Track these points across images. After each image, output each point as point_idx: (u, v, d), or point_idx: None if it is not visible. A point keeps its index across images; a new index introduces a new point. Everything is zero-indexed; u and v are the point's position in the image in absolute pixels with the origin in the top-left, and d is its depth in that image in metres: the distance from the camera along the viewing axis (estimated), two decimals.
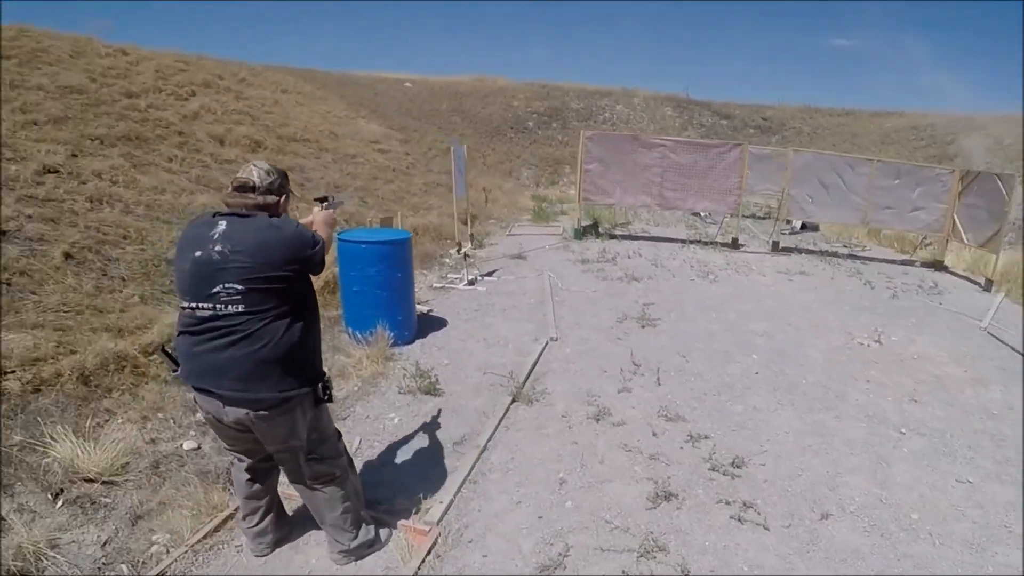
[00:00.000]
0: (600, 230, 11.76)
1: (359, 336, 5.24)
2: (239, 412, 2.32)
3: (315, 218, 2.78)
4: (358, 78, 25.68)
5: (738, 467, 3.79)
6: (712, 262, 9.63)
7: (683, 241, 11.31)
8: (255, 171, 2.43)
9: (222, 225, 2.29)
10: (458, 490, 3.41)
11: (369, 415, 4.23)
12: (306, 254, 2.36)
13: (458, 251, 7.92)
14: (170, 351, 2.49)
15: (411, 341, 5.64)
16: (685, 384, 5.00)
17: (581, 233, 11.29)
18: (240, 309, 2.24)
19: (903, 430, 4.55)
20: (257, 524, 2.80)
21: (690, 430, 4.21)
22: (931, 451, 4.28)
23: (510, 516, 3.27)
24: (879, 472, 3.94)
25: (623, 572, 2.87)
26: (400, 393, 4.58)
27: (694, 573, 2.89)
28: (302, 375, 2.40)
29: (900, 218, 10.67)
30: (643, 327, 6.30)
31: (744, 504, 3.44)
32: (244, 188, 2.39)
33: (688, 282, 8.33)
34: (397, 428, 4.09)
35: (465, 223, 8.19)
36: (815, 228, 13.63)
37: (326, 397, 2.51)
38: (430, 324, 6.04)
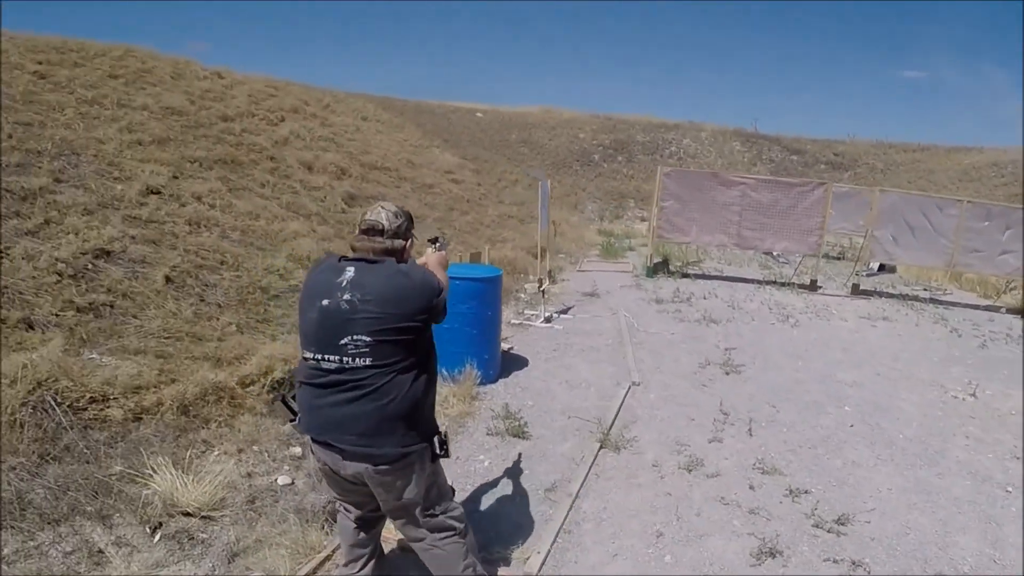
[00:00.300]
0: (671, 268, 11.56)
1: (445, 373, 5.23)
2: (359, 466, 2.24)
3: (428, 260, 2.68)
4: (433, 107, 26.27)
5: (843, 524, 3.59)
6: (791, 305, 9.32)
7: (758, 282, 11.01)
8: (383, 213, 2.32)
9: (350, 272, 2.19)
10: (554, 540, 3.32)
11: (459, 456, 4.19)
12: (434, 302, 2.28)
13: (539, 287, 7.89)
14: (288, 401, 2.42)
15: (495, 380, 5.60)
16: (777, 435, 4.79)
17: (653, 271, 11.12)
18: (367, 362, 2.14)
19: (1009, 488, 4.25)
20: (359, 571, 2.74)
21: (789, 484, 4.01)
22: None
23: (607, 568, 3.16)
24: (989, 532, 3.69)
25: None
26: (488, 435, 4.53)
27: None
28: (422, 430, 2.31)
29: (988, 262, 10.12)
30: (727, 373, 6.10)
31: (853, 563, 3.26)
32: (373, 231, 2.30)
33: (768, 326, 8.07)
34: (487, 471, 4.03)
35: (542, 258, 8.17)
36: (892, 270, 13.10)
37: (443, 452, 2.39)
38: (512, 363, 6.00)
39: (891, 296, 10.63)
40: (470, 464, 4.10)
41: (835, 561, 3.26)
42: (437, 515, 2.48)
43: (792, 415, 5.19)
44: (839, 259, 14.69)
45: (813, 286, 10.67)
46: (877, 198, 10.35)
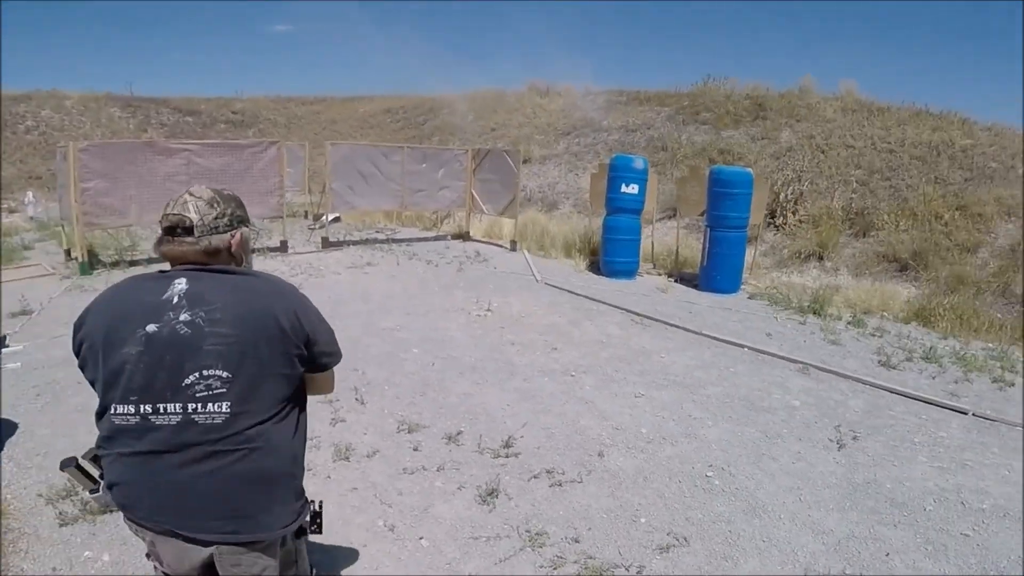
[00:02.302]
0: (103, 259, 10.26)
1: None
2: (203, 553, 1.75)
3: None
4: None
5: (510, 446, 4.25)
6: (277, 271, 9.50)
7: None
8: (192, 203, 1.80)
9: (181, 283, 1.72)
10: None
11: (55, 566, 3.07)
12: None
13: None
14: (84, 465, 1.85)
15: None
16: (387, 394, 5.11)
17: (88, 266, 9.69)
18: (224, 408, 1.67)
19: (572, 373, 5.69)
20: None
21: (439, 433, 4.44)
22: (601, 382, 5.54)
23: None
24: (591, 410, 4.94)
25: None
26: (63, 525, 3.40)
27: (585, 541, 3.28)
28: (300, 496, 1.91)
29: (431, 198, 12.42)
30: None
31: (547, 472, 3.96)
32: (177, 229, 1.79)
33: None
34: (114, 568, 3.09)
35: None
36: (338, 219, 14.60)
37: (314, 527, 1.99)
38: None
39: (358, 243, 11.98)
40: (80, 566, 3.09)
41: (535, 476, 3.91)
42: None
43: (380, 372, 5.55)
44: (278, 217, 15.46)
45: (285, 247, 11.11)
46: (329, 152, 11.31)
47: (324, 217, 13.22)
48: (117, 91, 25.67)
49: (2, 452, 4.22)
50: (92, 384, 1.76)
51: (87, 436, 4.34)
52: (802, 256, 11.15)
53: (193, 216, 1.79)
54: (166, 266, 1.82)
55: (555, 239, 11.93)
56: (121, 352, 1.67)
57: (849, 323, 7.70)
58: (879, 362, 6.27)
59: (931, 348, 6.64)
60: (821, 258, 11.02)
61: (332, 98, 29.11)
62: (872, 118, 15.34)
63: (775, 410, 5.03)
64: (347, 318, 7.18)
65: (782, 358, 6.24)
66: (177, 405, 1.65)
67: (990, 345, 7.19)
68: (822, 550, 3.31)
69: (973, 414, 5.09)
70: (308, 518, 1.96)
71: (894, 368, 6.13)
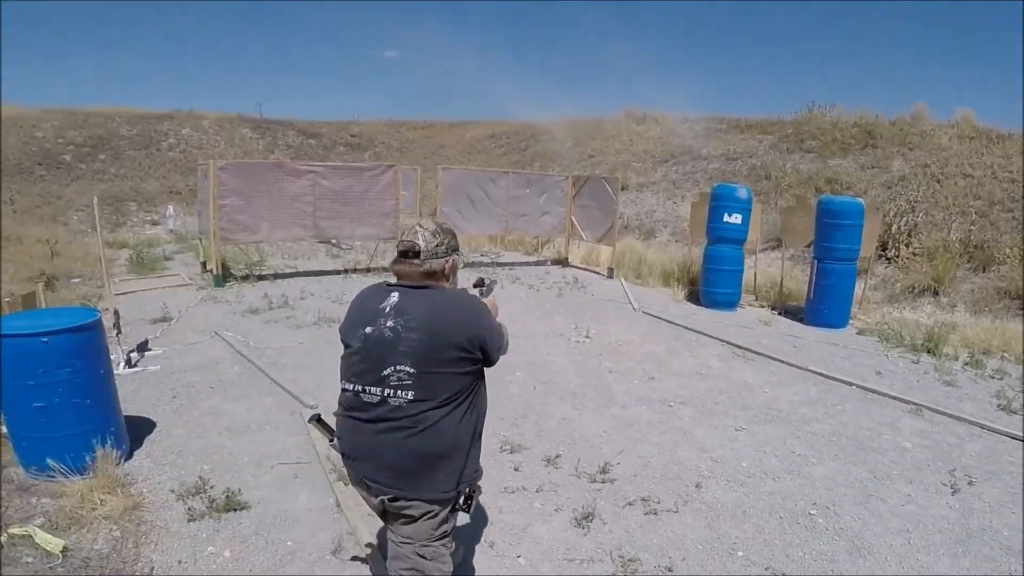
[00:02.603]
0: (234, 272, 10.98)
1: (64, 466, 4.00)
2: (378, 498, 2.34)
3: None
4: None
5: (606, 472, 4.30)
6: None
7: (340, 272, 11.36)
8: (420, 233, 2.35)
9: (394, 297, 2.28)
10: None
11: (181, 559, 3.36)
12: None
13: (115, 323, 6.55)
14: (325, 420, 2.54)
15: (130, 455, 4.54)
16: (491, 414, 5.15)
17: (222, 279, 10.39)
18: (409, 396, 2.20)
19: (670, 404, 5.67)
20: None
21: (539, 455, 4.55)
22: (700, 414, 5.49)
23: None
24: (689, 441, 4.93)
25: None
26: (191, 521, 3.71)
27: (679, 570, 3.32)
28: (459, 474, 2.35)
29: (533, 224, 12.66)
30: None
31: (642, 500, 4.00)
32: (409, 254, 2.31)
33: None
34: (233, 564, 3.35)
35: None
36: None
37: (464, 507, 2.41)
38: (131, 427, 4.75)
39: (464, 266, 12.26)
40: (202, 563, 3.34)
41: (630, 504, 3.95)
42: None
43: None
44: (395, 239, 16.08)
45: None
46: (441, 176, 11.74)
47: None
48: (247, 112, 27.47)
49: (141, 448, 4.66)
50: None
51: (218, 438, 4.81)
52: (916, 291, 10.61)
53: (421, 243, 2.31)
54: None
55: (652, 267, 11.88)
56: (351, 344, 2.29)
57: (966, 364, 7.29)
58: (999, 406, 5.91)
59: None
60: (936, 293, 10.45)
61: (440, 123, 30.09)
62: (992, 146, 14.46)
63: (885, 451, 4.86)
64: None
65: (893, 398, 5.99)
66: (378, 388, 2.22)
67: None
68: None
69: None
70: (462, 497, 2.38)
71: (1015, 413, 5.77)
